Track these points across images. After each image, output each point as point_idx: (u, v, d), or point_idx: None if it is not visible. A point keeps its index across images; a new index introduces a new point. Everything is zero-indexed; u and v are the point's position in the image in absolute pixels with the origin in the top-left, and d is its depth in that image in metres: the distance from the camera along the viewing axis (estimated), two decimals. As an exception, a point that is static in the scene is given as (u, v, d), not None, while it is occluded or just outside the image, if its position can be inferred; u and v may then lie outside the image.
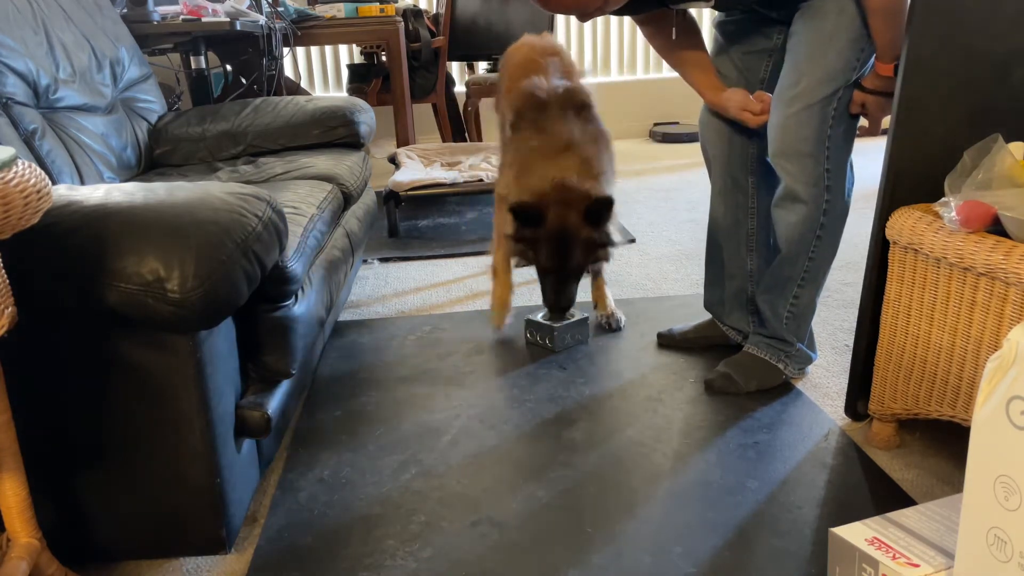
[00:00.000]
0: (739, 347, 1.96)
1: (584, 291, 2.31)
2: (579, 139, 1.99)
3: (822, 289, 1.82)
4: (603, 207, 1.91)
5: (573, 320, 2.13)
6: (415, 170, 3.33)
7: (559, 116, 2.02)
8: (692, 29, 1.89)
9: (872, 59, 1.62)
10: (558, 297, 2.00)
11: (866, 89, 1.62)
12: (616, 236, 1.99)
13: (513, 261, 2.19)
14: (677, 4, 1.77)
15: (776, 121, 1.69)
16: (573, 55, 5.40)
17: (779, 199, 1.76)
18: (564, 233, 1.91)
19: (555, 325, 2.09)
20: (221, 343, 1.31)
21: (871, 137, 1.64)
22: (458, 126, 4.68)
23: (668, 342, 2.12)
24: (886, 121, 1.60)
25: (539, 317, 2.15)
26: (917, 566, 1.07)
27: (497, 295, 2.26)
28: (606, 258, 2.03)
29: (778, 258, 1.81)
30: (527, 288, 2.59)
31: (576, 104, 2.06)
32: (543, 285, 2.02)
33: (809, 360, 1.90)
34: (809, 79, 1.63)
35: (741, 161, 1.90)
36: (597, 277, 2.29)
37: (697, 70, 1.90)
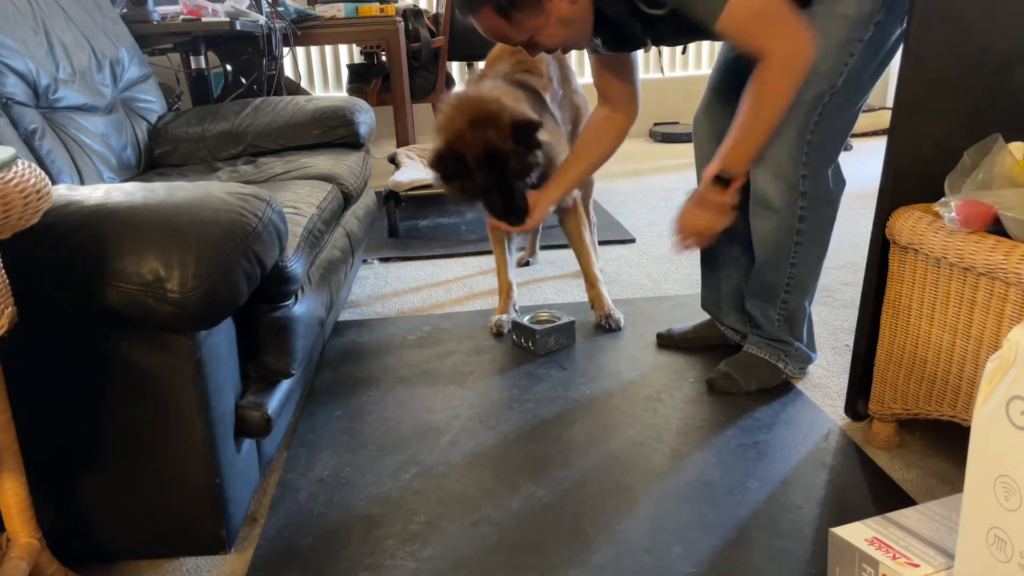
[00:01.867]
0: (738, 347, 1.96)
1: (579, 293, 2.31)
2: (497, 89, 2.02)
3: (814, 291, 1.81)
4: (526, 129, 1.90)
5: (558, 323, 2.12)
6: (415, 170, 3.33)
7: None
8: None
9: (862, 67, 1.58)
10: (511, 204, 1.96)
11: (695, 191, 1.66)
12: (543, 137, 1.96)
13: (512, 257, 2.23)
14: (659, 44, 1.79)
15: None
16: (573, 56, 5.41)
17: (752, 205, 1.74)
18: (491, 153, 1.89)
19: (537, 328, 2.08)
20: (221, 343, 1.31)
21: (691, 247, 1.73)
22: (458, 126, 4.68)
23: (667, 342, 2.12)
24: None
25: (525, 320, 2.14)
26: (917, 566, 1.07)
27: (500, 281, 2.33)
28: (540, 158, 2.00)
29: (758, 265, 1.80)
30: (527, 289, 2.59)
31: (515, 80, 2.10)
32: (490, 204, 1.97)
33: (809, 359, 1.89)
34: None
35: None
36: (590, 275, 2.30)
37: (581, 157, 2.03)
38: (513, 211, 1.97)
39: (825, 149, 1.65)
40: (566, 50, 1.80)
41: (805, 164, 1.64)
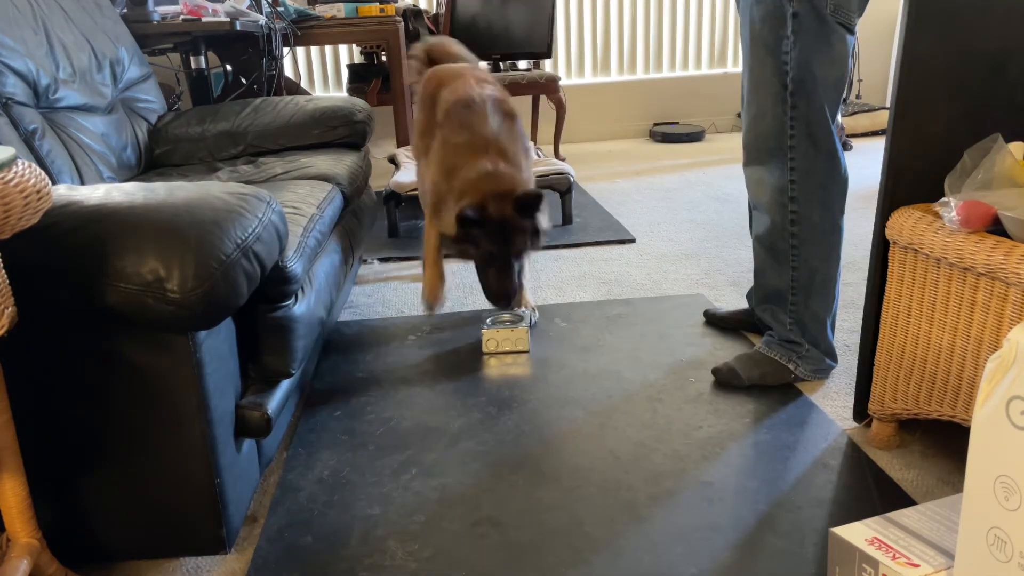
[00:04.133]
0: (730, 340, 2.04)
1: (579, 293, 2.31)
2: (501, 137, 2.00)
3: (829, 298, 1.80)
4: (533, 200, 1.90)
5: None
6: (415, 170, 3.33)
7: (484, 118, 2.03)
8: None
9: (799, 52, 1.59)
10: (503, 283, 1.94)
11: None
12: (545, 222, 1.96)
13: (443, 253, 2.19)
14: None
15: (745, 137, 1.72)
16: (573, 55, 5.41)
17: (750, 207, 1.77)
18: (503, 223, 1.89)
19: None
20: (221, 343, 1.31)
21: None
22: (458, 126, 4.67)
23: (711, 320, 2.21)
24: None
25: (488, 321, 2.15)
26: (917, 566, 1.07)
27: (430, 281, 2.24)
28: (540, 245, 1.99)
29: (757, 270, 1.83)
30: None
31: (503, 111, 2.07)
32: (485, 277, 1.96)
33: (823, 363, 1.86)
34: (749, 85, 1.64)
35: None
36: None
37: None
38: (503, 294, 1.94)
39: (814, 151, 1.66)
40: None
41: (792, 169, 1.66)
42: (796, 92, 1.61)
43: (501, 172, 1.94)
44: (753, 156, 1.70)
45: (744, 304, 2.17)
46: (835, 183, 1.71)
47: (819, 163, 1.67)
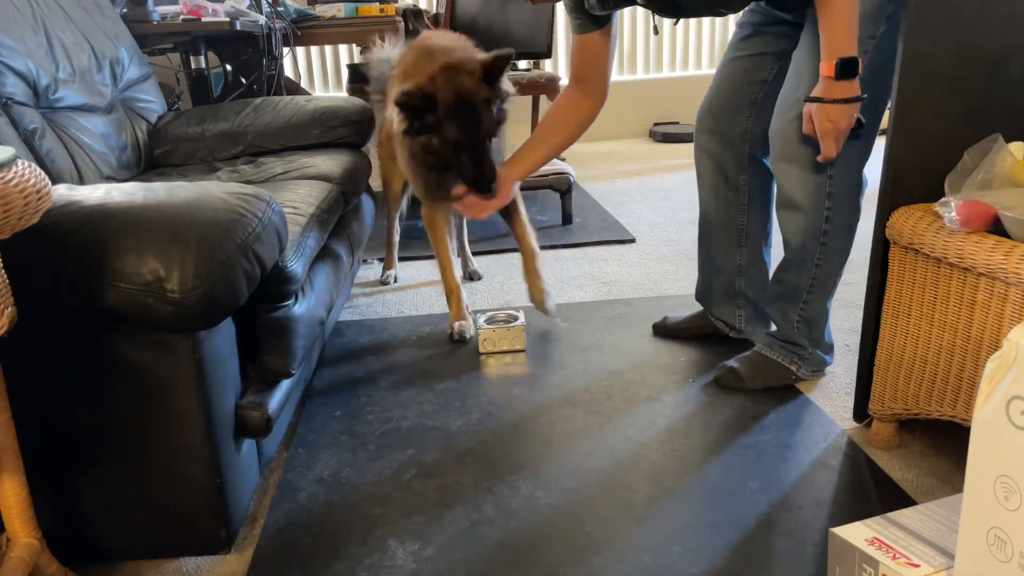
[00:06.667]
0: (728, 338, 2.03)
1: (576, 294, 2.30)
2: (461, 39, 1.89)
3: (833, 293, 1.80)
4: (500, 61, 1.78)
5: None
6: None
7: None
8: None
9: (879, 62, 1.55)
10: (482, 168, 1.81)
11: (809, 97, 1.54)
12: (509, 87, 1.85)
13: (420, 188, 2.04)
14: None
15: (777, 128, 1.67)
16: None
17: (779, 204, 1.74)
18: (464, 100, 1.75)
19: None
20: (221, 343, 1.31)
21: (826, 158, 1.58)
22: (458, 126, 4.67)
23: (662, 332, 2.17)
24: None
25: (482, 320, 2.14)
26: (917, 566, 1.07)
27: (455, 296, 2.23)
28: (504, 117, 1.87)
29: (783, 264, 1.80)
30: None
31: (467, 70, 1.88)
32: (459, 165, 1.83)
33: (824, 363, 1.87)
34: (808, 83, 1.58)
35: (735, 160, 1.90)
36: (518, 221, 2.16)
37: (547, 138, 1.92)
38: (483, 177, 1.80)
39: (852, 147, 1.61)
40: None
41: (831, 164, 1.62)
42: (862, 88, 1.54)
43: (446, 47, 1.79)
44: (791, 150, 1.63)
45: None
46: (861, 175, 1.69)
47: (854, 156, 1.64)
